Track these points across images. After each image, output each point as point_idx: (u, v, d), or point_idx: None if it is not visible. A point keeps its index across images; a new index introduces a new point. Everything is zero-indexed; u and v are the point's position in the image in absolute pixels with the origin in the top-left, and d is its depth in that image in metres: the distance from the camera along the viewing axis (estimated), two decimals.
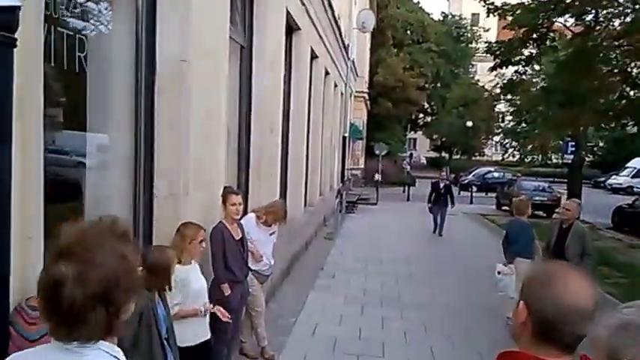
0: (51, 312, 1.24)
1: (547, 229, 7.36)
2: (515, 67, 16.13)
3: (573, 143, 18.97)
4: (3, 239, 2.02)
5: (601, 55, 13.02)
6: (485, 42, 17.93)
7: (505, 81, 18.73)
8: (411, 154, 52.54)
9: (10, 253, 2.06)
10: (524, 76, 17.57)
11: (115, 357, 1.30)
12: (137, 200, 4.01)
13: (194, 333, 3.80)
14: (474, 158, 44.67)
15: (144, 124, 4.01)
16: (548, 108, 16.69)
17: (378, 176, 22.97)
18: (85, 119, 3.67)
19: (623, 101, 14.28)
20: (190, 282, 3.77)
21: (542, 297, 1.30)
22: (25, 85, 2.29)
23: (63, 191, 3.86)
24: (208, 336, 3.97)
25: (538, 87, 19.94)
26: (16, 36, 1.99)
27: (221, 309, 4.03)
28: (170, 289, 3.26)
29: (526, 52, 15.55)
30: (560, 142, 22.25)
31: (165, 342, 3.14)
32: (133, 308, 1.38)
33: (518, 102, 22.29)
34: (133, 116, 3.98)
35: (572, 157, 19.08)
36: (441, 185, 14.13)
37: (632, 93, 14.44)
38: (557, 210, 18.28)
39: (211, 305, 3.99)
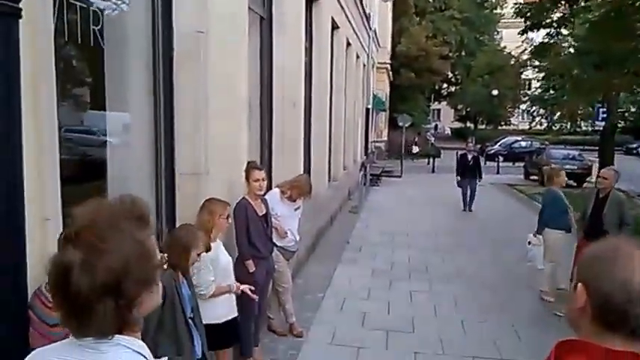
0: (59, 300, 1.14)
1: (580, 198, 7.11)
2: (547, 30, 15.48)
3: (604, 109, 18.31)
4: (17, 222, 1.94)
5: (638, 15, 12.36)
6: (515, 4, 17.23)
7: (534, 45, 18.05)
8: (436, 125, 51.71)
9: (26, 235, 1.98)
10: (555, 39, 16.87)
11: (139, 352, 1.18)
12: (159, 179, 3.94)
13: (221, 311, 3.77)
14: (500, 128, 43.72)
15: (163, 100, 3.90)
16: (582, 71, 16.02)
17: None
18: (104, 97, 3.59)
19: None
20: (219, 259, 3.72)
21: (606, 277, 1.15)
22: (35, 60, 2.19)
23: (85, 171, 3.83)
24: (236, 314, 3.93)
25: (568, 51, 19.17)
26: (20, 6, 1.86)
27: (248, 288, 3.97)
28: (187, 271, 3.18)
29: (557, 15, 14.91)
30: (590, 109, 21.52)
31: (190, 321, 3.09)
32: (154, 302, 1.25)
33: (548, 67, 21.49)
34: (152, 93, 3.87)
35: (603, 123, 18.45)
36: (469, 157, 13.12)
37: None
38: (588, 179, 17.83)
39: (242, 286, 3.94)
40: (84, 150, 3.77)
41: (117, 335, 1.16)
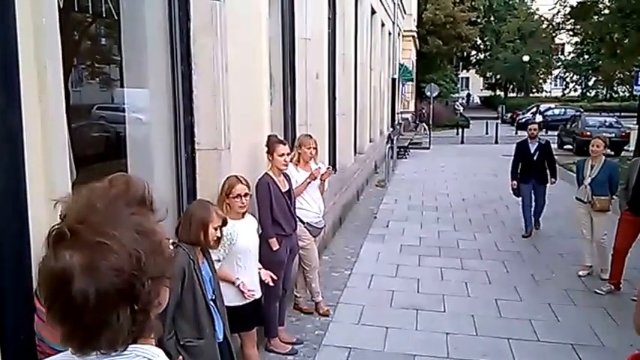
0: (59, 316, 0.94)
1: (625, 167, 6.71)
2: None
3: None
4: (18, 205, 1.81)
5: None
6: None
7: (572, 7, 17.17)
8: (469, 95, 50.57)
9: (29, 219, 1.86)
10: None
11: None
12: (179, 155, 3.80)
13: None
14: (531, 95, 42.47)
15: (181, 74, 3.73)
16: (624, 34, 15.20)
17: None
18: (122, 72, 3.45)
19: None
20: (236, 237, 3.56)
21: None
22: (36, 32, 2.04)
23: (104, 149, 3.73)
24: (259, 294, 3.80)
25: (605, 12, 18.21)
26: None
27: (269, 276, 3.81)
28: (210, 247, 3.04)
29: None
30: (628, 73, 20.59)
31: (211, 304, 2.97)
32: (167, 299, 1.07)
33: (585, 31, 20.48)
34: (170, 66, 3.71)
35: None
36: (532, 147, 8.01)
37: None
38: (626, 147, 17.13)
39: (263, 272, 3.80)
40: (102, 127, 3.68)
41: (130, 345, 0.98)
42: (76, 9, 2.93)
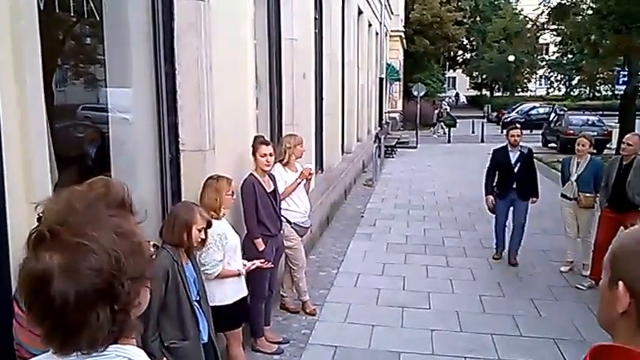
0: (39, 317, 0.96)
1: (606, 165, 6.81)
2: None
3: (625, 72, 17.71)
4: None
5: None
6: None
7: (552, 7, 17.39)
8: (457, 94, 50.89)
9: (7, 220, 1.86)
10: (574, 0, 16.22)
11: None
12: (163, 156, 3.80)
13: (230, 291, 3.67)
14: (516, 94, 42.81)
15: (165, 74, 3.74)
16: (601, 35, 15.43)
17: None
18: (105, 71, 3.45)
19: None
20: (228, 236, 3.59)
21: None
22: (14, 33, 2.04)
23: (88, 150, 3.73)
24: (245, 293, 3.83)
25: (587, 13, 18.45)
26: None
27: (258, 263, 3.88)
28: (194, 249, 3.06)
29: None
30: (610, 73, 20.85)
31: (195, 304, 2.98)
32: (148, 299, 1.09)
33: (565, 31, 20.75)
34: (153, 66, 3.71)
35: (624, 87, 17.88)
36: (513, 157, 6.74)
37: None
38: (608, 145, 17.36)
39: (249, 263, 3.83)
40: (87, 127, 3.68)
41: (111, 345, 0.99)
42: (58, 9, 2.93)
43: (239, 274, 3.68)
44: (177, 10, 3.71)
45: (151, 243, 1.17)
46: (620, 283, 1.00)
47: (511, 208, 6.86)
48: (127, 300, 0.98)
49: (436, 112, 27.38)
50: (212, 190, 3.59)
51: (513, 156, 6.75)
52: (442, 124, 25.83)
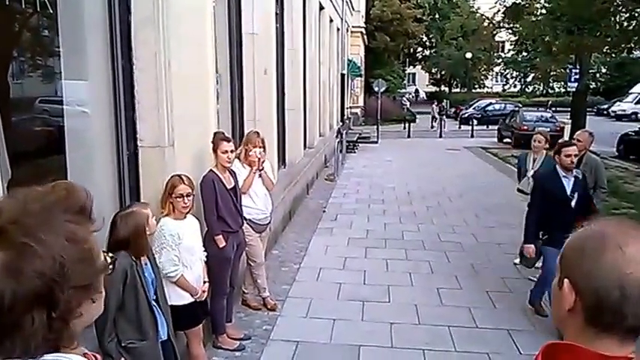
0: None
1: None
2: None
3: (577, 70, 18.37)
4: None
5: None
6: None
7: (507, 6, 17.86)
8: (417, 90, 51.70)
9: None
10: (528, 0, 16.71)
11: None
12: (121, 153, 3.73)
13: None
14: (473, 91, 43.80)
15: (122, 68, 3.66)
16: (555, 36, 15.96)
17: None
18: (60, 64, 3.35)
19: (633, 22, 13.58)
20: (182, 237, 3.55)
21: (596, 274, 1.00)
22: None
23: (45, 144, 3.61)
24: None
25: (541, 12, 19.02)
26: None
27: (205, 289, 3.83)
28: (145, 253, 3.02)
29: None
30: (563, 70, 21.60)
31: (154, 304, 2.96)
32: (95, 311, 1.07)
33: (521, 30, 21.36)
34: (110, 60, 3.63)
35: (575, 85, 18.54)
36: (568, 184, 4.90)
37: None
38: (560, 141, 17.94)
39: (205, 284, 3.80)
40: (44, 121, 3.56)
41: (47, 355, 0.96)
42: (11, 1, 2.83)
43: (194, 293, 3.62)
44: (135, 3, 3.64)
45: (109, 255, 1.15)
46: (566, 281, 1.05)
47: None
48: (66, 308, 0.95)
49: (434, 106, 28.30)
50: (164, 190, 3.58)
51: (568, 184, 4.87)
52: (443, 117, 26.45)
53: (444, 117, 27.05)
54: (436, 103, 29.34)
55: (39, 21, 3.37)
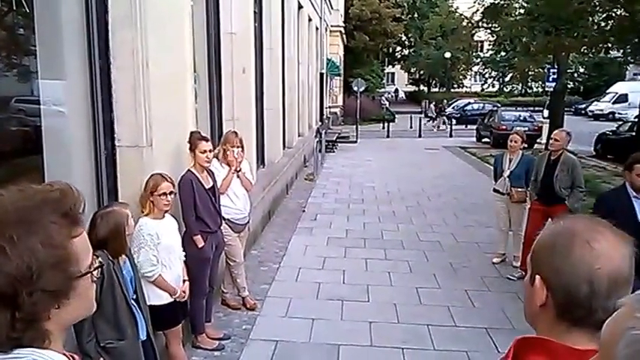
0: None
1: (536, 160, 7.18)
2: None
3: (555, 70, 18.67)
4: None
5: None
6: None
7: (486, 6, 18.07)
8: (397, 90, 51.99)
9: None
10: (507, 1, 16.93)
11: None
12: (98, 153, 3.69)
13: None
14: (452, 90, 44.24)
15: (99, 67, 3.62)
16: (532, 35, 16.20)
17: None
18: (36, 63, 3.30)
19: (610, 22, 13.84)
20: (161, 237, 3.53)
21: (566, 270, 1.03)
22: None
23: (21, 145, 3.54)
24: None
25: (519, 12, 19.29)
26: None
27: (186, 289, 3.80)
28: (124, 252, 3.00)
29: None
30: (541, 70, 21.93)
31: (133, 303, 2.93)
32: (78, 310, 1.06)
33: (499, 30, 21.65)
34: (87, 59, 3.58)
35: (553, 84, 18.84)
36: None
37: (619, 12, 13.90)
38: (538, 140, 18.24)
39: (184, 285, 3.78)
40: (20, 120, 3.49)
41: (20, 350, 0.95)
42: None
43: (173, 293, 3.60)
44: (112, 1, 3.61)
45: (99, 260, 1.13)
46: (537, 277, 1.08)
47: None
48: (31, 311, 0.95)
49: (432, 106, 28.58)
50: (143, 189, 3.56)
51: (639, 206, 4.11)
52: (444, 118, 26.55)
53: (445, 117, 27.21)
54: (435, 103, 29.54)
55: (14, 19, 3.31)
